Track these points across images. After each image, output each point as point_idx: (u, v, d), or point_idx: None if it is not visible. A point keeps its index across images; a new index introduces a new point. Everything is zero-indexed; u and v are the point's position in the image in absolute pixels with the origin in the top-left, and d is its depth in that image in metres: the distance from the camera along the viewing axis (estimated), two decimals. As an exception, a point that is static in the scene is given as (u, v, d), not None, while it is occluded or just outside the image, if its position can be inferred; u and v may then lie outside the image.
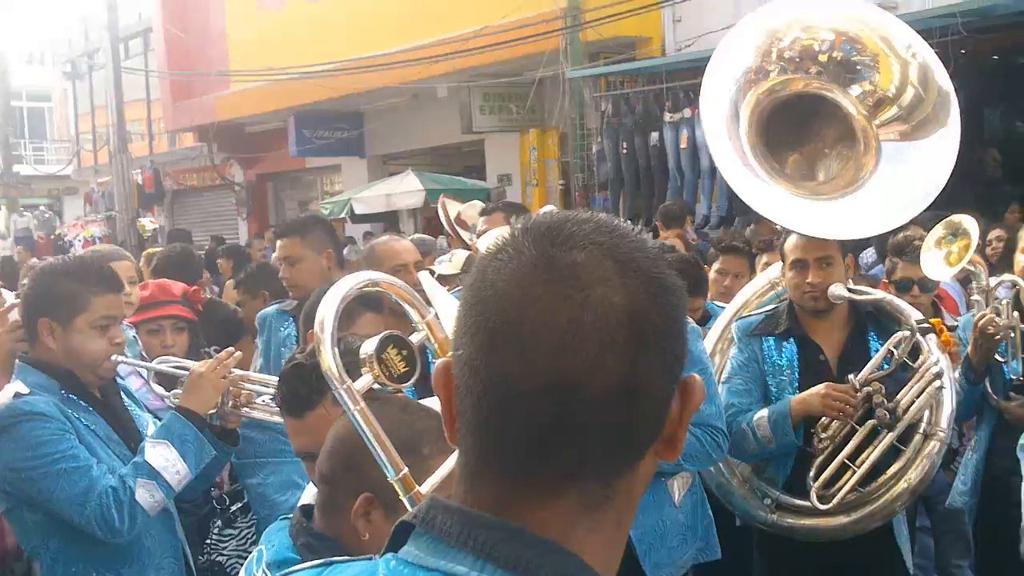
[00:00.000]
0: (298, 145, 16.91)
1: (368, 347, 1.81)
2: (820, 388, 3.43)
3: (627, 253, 0.97)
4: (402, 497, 1.71)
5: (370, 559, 1.06)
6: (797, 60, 3.62)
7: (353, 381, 1.78)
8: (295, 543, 1.97)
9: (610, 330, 0.93)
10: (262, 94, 16.67)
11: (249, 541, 3.78)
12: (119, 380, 3.22)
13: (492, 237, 4.26)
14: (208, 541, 3.82)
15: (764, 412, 3.51)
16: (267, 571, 1.95)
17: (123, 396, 3.17)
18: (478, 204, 6.73)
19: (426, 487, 1.72)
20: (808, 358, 3.59)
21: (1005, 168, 10.01)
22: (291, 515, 2.09)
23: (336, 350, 1.77)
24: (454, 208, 7.76)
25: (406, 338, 1.86)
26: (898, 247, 4.49)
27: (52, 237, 23.98)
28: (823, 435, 3.45)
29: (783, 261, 3.63)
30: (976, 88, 8.44)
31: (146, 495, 2.79)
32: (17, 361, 3.02)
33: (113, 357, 2.98)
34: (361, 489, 1.89)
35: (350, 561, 1.10)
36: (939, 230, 4.17)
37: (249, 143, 19.54)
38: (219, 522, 3.81)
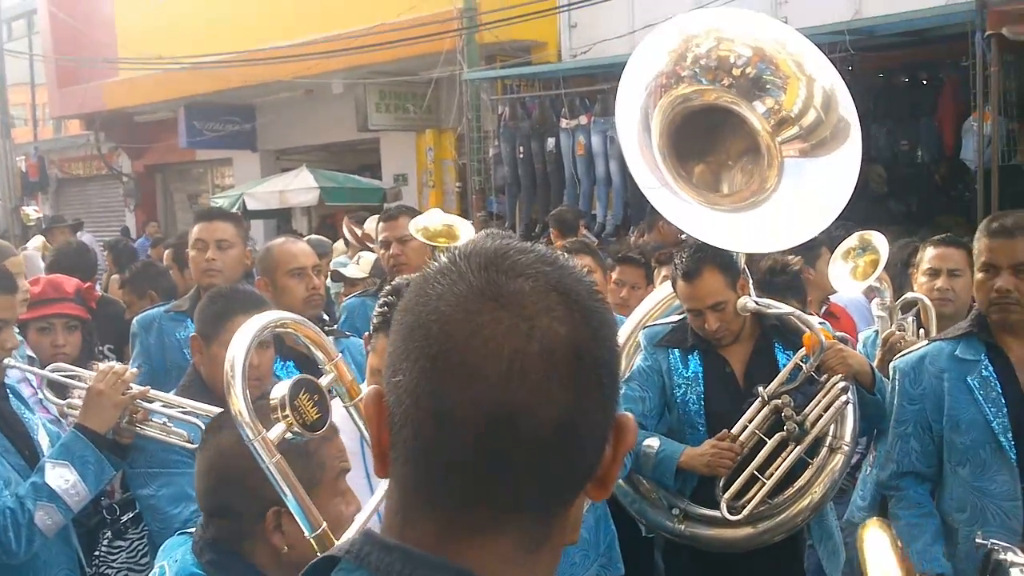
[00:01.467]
0: (188, 136, 16.45)
1: (279, 392, 1.74)
2: (704, 449, 3.47)
3: (568, 284, 0.95)
4: (318, 552, 1.65)
5: None
6: (712, 69, 3.62)
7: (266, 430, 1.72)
8: (199, 560, 1.92)
9: (555, 362, 0.91)
10: (152, 83, 16.17)
11: (140, 554, 3.65)
12: (6, 381, 3.11)
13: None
14: (97, 553, 3.67)
15: (655, 443, 3.53)
16: None
17: (12, 399, 3.07)
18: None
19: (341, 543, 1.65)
20: (714, 371, 3.61)
21: (890, 185, 10.29)
22: (190, 530, 2.03)
23: (247, 393, 1.70)
24: (357, 229, 7.69)
25: (316, 382, 1.82)
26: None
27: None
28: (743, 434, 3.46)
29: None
30: (861, 106, 8.62)
31: (45, 518, 2.75)
32: None
33: (5, 361, 2.94)
34: (265, 507, 1.87)
35: None
36: (851, 241, 4.21)
37: (138, 133, 18.98)
38: (109, 533, 3.69)
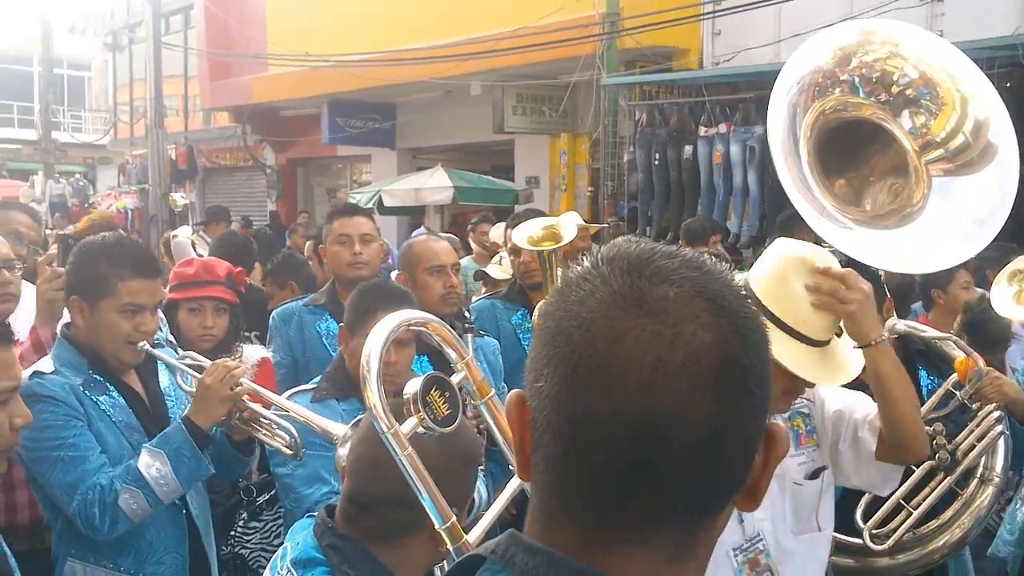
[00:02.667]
0: (331, 132, 16.89)
1: (412, 388, 1.78)
2: None
3: (716, 291, 0.92)
4: (448, 547, 1.68)
5: None
6: (872, 81, 3.51)
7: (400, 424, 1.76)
8: (320, 543, 1.96)
9: (700, 370, 0.89)
10: (298, 79, 16.67)
11: (274, 535, 3.74)
12: (161, 353, 3.16)
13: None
14: (232, 533, 3.77)
15: None
16: (292, 569, 1.95)
17: (164, 374, 3.14)
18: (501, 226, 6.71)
19: (473, 537, 1.73)
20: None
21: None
22: (315, 512, 2.08)
23: (382, 388, 1.74)
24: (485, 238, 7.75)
25: (448, 380, 1.85)
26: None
27: (86, 205, 24.22)
28: None
29: None
30: (1020, 121, 8.23)
31: (130, 501, 2.74)
32: (59, 334, 3.06)
33: (140, 345, 2.94)
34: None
35: None
36: (1019, 263, 4.00)
37: (283, 127, 19.56)
38: (245, 514, 3.77)
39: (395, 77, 14.03)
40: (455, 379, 1.93)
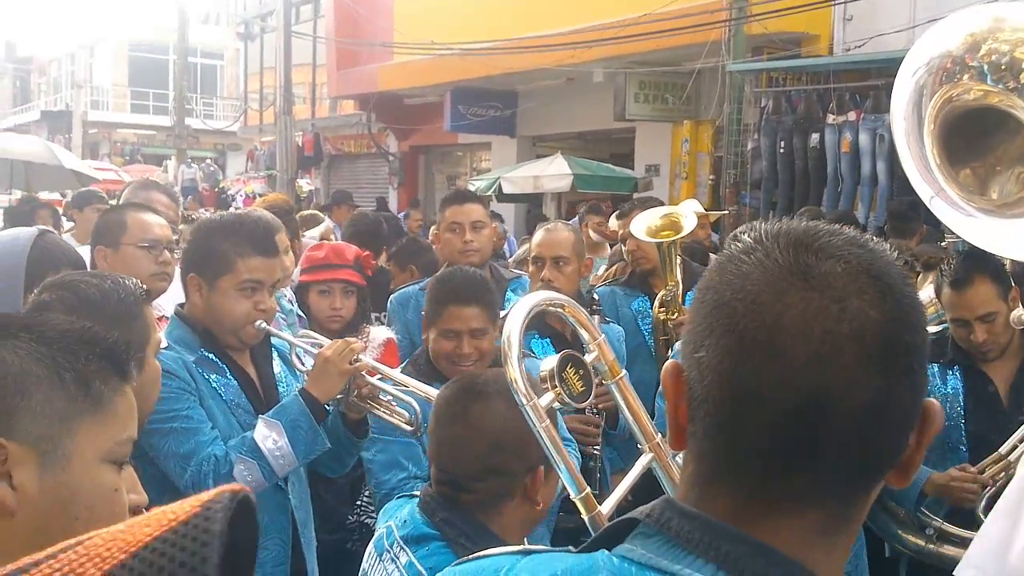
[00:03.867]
0: (452, 120, 17.08)
1: (548, 364, 1.85)
2: (946, 479, 3.33)
3: (881, 268, 0.94)
4: (584, 515, 1.74)
5: (569, 551, 1.03)
6: (1002, 68, 3.40)
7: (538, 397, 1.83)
8: (431, 520, 2.04)
9: (866, 345, 0.90)
10: (422, 67, 16.90)
11: None
12: (275, 345, 3.16)
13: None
14: (359, 503, 3.87)
15: None
16: (405, 546, 2.02)
17: (277, 362, 3.12)
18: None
19: (606, 508, 1.78)
20: (976, 389, 3.45)
21: None
22: (408, 495, 2.18)
23: (521, 365, 1.80)
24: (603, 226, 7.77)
25: (582, 358, 1.90)
26: None
27: (216, 190, 25.11)
28: (997, 465, 3.29)
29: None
30: None
31: (244, 472, 2.71)
32: (173, 313, 3.06)
33: (258, 323, 2.91)
34: (533, 466, 2.06)
35: (551, 551, 1.07)
36: None
37: (406, 115, 19.86)
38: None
39: (517, 65, 14.11)
40: (588, 359, 1.96)
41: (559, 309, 2.03)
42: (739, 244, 0.98)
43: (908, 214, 7.11)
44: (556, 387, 1.83)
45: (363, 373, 2.90)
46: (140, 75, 39.58)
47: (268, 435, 2.74)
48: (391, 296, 4.57)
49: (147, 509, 2.92)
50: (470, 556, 1.14)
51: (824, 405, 0.90)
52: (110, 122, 38.84)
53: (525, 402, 1.80)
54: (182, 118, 27.04)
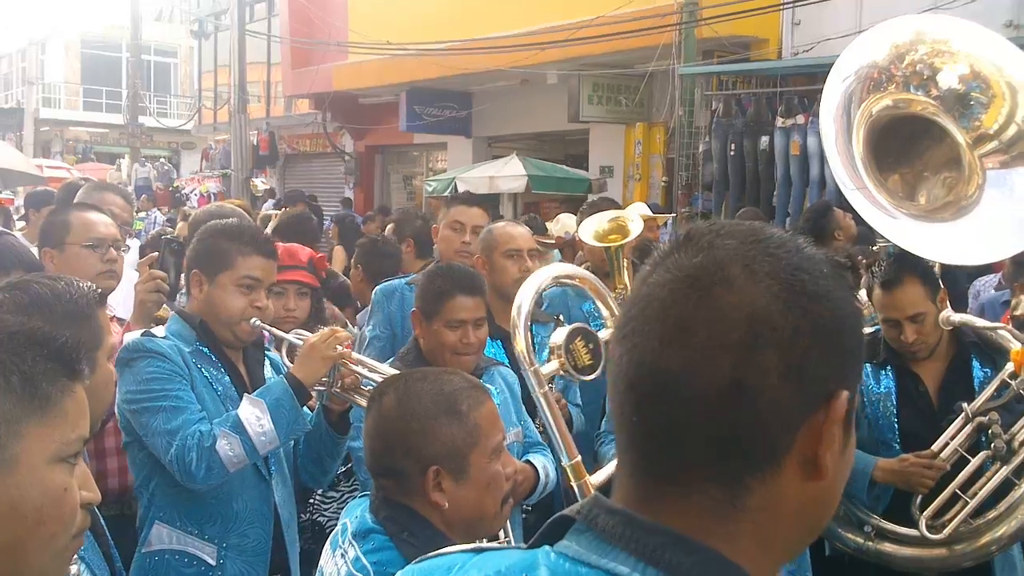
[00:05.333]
0: (408, 120, 17.08)
1: (558, 337, 1.91)
2: (901, 465, 3.39)
3: (759, 257, 0.96)
4: (572, 482, 1.80)
5: (519, 548, 1.07)
6: (924, 77, 3.54)
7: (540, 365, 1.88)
8: (377, 517, 2.07)
9: (720, 329, 0.93)
10: (378, 67, 16.89)
11: None
12: (268, 355, 3.24)
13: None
14: (311, 501, 3.90)
15: None
16: (353, 541, 2.06)
17: (269, 368, 3.21)
18: (562, 219, 6.74)
19: (596, 479, 1.82)
20: (907, 388, 3.53)
21: None
22: (367, 493, 2.20)
23: (528, 336, 1.86)
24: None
25: (594, 333, 1.94)
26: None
27: (170, 189, 24.85)
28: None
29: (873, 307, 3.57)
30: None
31: (227, 447, 2.77)
32: (173, 312, 3.15)
33: (253, 321, 3.01)
34: (425, 466, 2.02)
35: (501, 548, 1.12)
36: None
37: (361, 114, 19.82)
38: None
39: (472, 66, 14.16)
40: (603, 335, 2.03)
41: (572, 282, 2.10)
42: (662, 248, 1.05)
43: (820, 218, 7.26)
44: (561, 357, 1.91)
45: (347, 362, 2.95)
46: (93, 72, 39.02)
47: (251, 412, 2.81)
48: (376, 288, 4.60)
49: (133, 493, 2.93)
50: (428, 555, 1.18)
51: (676, 387, 0.94)
52: (62, 120, 38.25)
53: (527, 367, 1.89)
54: (136, 116, 26.71)
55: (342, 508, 3.78)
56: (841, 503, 3.53)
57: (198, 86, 28.32)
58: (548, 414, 1.84)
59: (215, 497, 2.90)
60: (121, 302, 3.98)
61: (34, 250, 4.79)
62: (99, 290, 2.32)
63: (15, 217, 9.51)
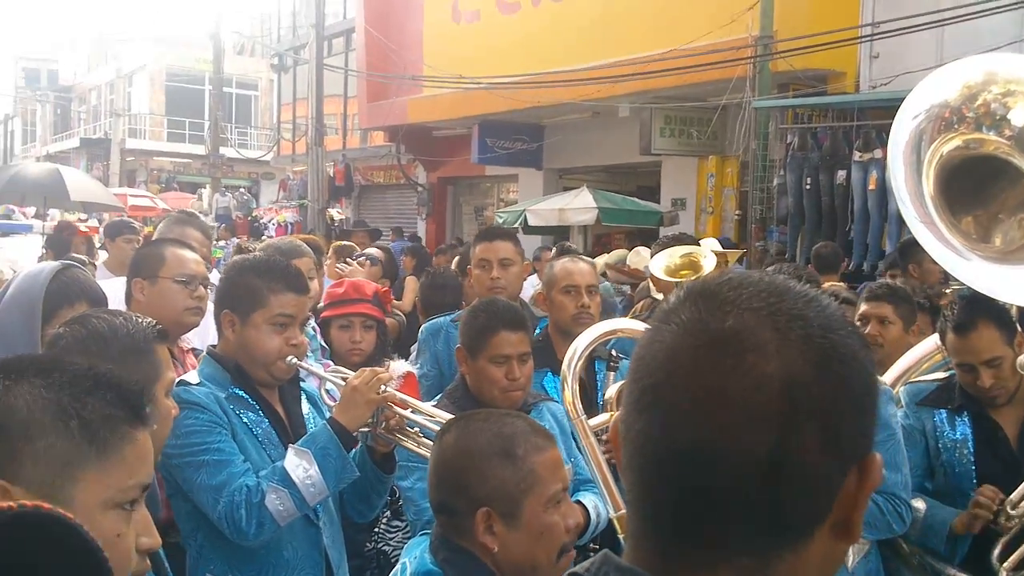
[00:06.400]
0: (480, 153, 17.22)
1: (613, 389, 1.90)
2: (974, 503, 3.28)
3: (789, 320, 0.92)
4: (619, 534, 1.77)
5: None
6: (996, 117, 3.44)
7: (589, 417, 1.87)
8: (436, 557, 2.06)
9: (758, 400, 0.89)
10: (451, 100, 17.06)
11: None
12: (303, 387, 3.19)
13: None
14: (376, 530, 3.89)
15: (921, 505, 3.34)
16: None
17: (306, 403, 3.14)
18: (642, 251, 6.68)
19: None
20: (985, 435, 3.41)
21: None
22: (429, 530, 2.19)
23: (576, 387, 1.86)
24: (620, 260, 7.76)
25: None
26: None
27: (248, 218, 25.37)
28: (1012, 512, 3.24)
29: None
30: None
31: (276, 502, 2.71)
32: (205, 352, 3.09)
33: (289, 359, 2.94)
34: (476, 506, 2.02)
35: None
36: None
37: (434, 147, 20.05)
38: (388, 512, 3.86)
39: (544, 99, 14.22)
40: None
41: (624, 336, 2.07)
42: (668, 302, 1.00)
43: (912, 251, 7.09)
44: (614, 410, 1.90)
45: (390, 404, 2.90)
46: (177, 104, 40.23)
47: (299, 463, 2.74)
48: (422, 327, 4.61)
49: (181, 545, 2.92)
50: None
51: (711, 460, 0.90)
52: (147, 150, 39.46)
53: (574, 418, 1.87)
54: (217, 147, 27.39)
55: (407, 536, 3.81)
56: (916, 552, 3.45)
57: (277, 118, 28.93)
58: (593, 464, 1.81)
59: (265, 547, 2.84)
60: (200, 334, 4.03)
61: (113, 280, 4.90)
62: (159, 327, 2.33)
63: (96, 246, 9.77)
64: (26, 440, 1.35)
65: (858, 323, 4.41)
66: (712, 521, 0.92)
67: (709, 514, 0.91)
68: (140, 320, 2.29)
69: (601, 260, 8.62)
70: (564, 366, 1.90)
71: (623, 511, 1.80)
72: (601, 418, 1.89)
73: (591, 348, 1.97)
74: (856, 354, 0.93)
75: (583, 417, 1.85)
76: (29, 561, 0.79)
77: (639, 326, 2.14)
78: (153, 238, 4.58)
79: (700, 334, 0.93)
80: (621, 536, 1.77)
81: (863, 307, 4.09)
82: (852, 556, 3.34)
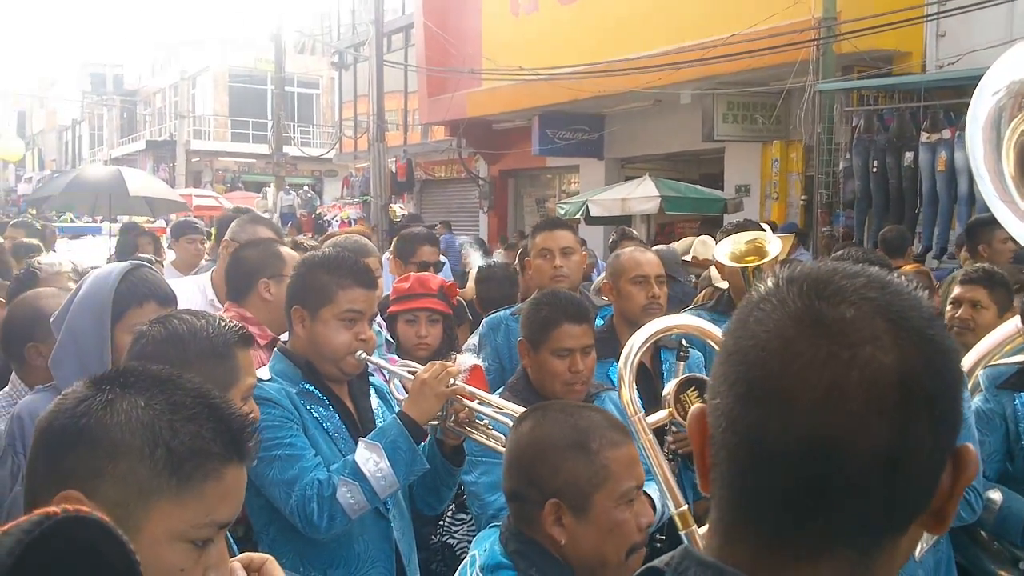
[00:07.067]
0: (540, 144, 17.21)
1: (670, 386, 1.92)
2: None
3: (900, 311, 0.92)
4: (680, 531, 1.79)
5: None
6: None
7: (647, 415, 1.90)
8: (506, 549, 2.08)
9: (877, 392, 0.89)
10: (510, 93, 17.09)
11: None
12: (372, 381, 3.22)
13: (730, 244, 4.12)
14: (441, 523, 3.91)
15: (997, 496, 3.28)
16: (481, 574, 2.07)
17: (375, 398, 3.17)
18: (707, 240, 6.62)
19: (704, 529, 1.78)
20: None
21: None
22: (499, 522, 2.21)
23: (632, 383, 1.88)
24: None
25: (707, 380, 1.92)
26: None
27: (313, 216, 25.64)
28: None
29: None
30: None
31: (347, 495, 2.73)
32: (276, 348, 3.13)
33: (358, 354, 2.95)
34: (546, 497, 2.02)
35: None
36: None
37: (495, 140, 20.08)
38: (453, 505, 3.85)
39: (604, 88, 14.16)
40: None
41: (682, 332, 2.08)
42: (759, 291, 0.98)
43: (984, 230, 6.94)
44: (671, 407, 1.91)
45: (460, 397, 2.90)
46: (240, 105, 40.82)
47: (369, 457, 2.76)
48: (483, 321, 4.64)
49: (253, 540, 2.96)
50: None
51: (831, 453, 0.89)
52: (212, 151, 40.10)
53: (632, 415, 1.89)
54: (280, 146, 27.70)
55: (472, 531, 3.83)
56: (994, 539, 3.39)
57: (339, 116, 29.19)
58: (652, 462, 1.82)
59: (336, 541, 2.85)
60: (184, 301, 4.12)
61: (182, 280, 4.99)
62: (242, 330, 2.34)
63: (164, 247, 9.97)
64: (111, 460, 1.35)
65: (950, 306, 4.34)
66: (825, 512, 0.91)
67: (823, 506, 0.91)
68: (222, 323, 2.31)
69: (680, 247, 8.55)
70: (620, 364, 1.90)
71: (684, 507, 1.80)
72: (659, 415, 1.88)
73: (649, 344, 1.96)
74: (947, 344, 0.94)
75: (641, 414, 1.85)
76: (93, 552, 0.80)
77: (696, 322, 2.13)
78: (225, 238, 4.65)
79: (816, 324, 0.92)
80: (682, 532, 1.77)
81: (957, 290, 4.02)
82: (921, 546, 3.28)
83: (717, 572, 0.95)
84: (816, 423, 0.89)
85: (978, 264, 4.95)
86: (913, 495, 0.93)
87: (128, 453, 1.36)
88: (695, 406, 1.04)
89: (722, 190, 14.51)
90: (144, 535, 1.35)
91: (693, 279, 7.88)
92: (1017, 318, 3.60)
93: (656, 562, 1.01)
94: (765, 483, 0.93)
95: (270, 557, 1.63)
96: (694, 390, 1.92)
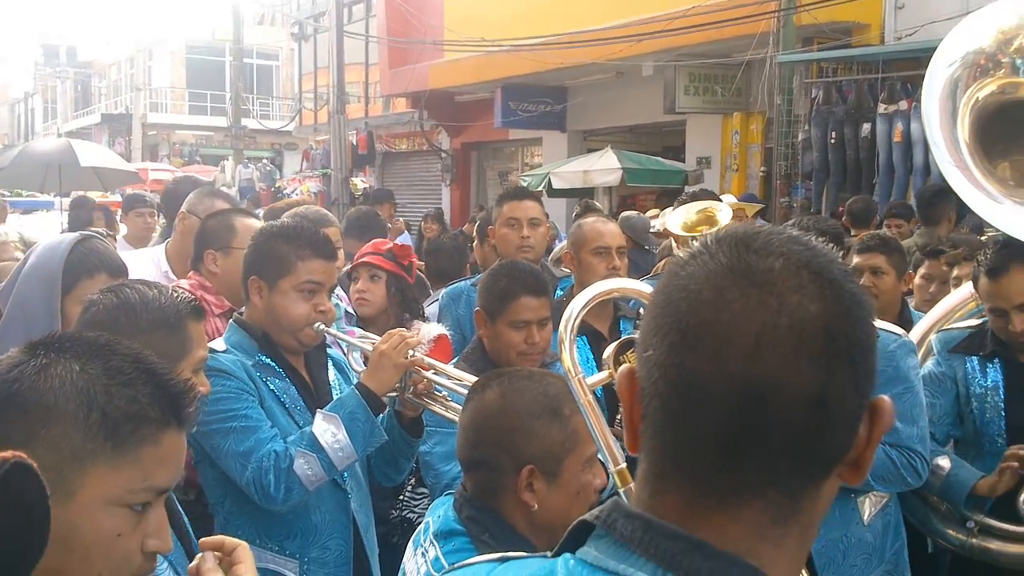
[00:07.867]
0: (503, 116, 17.14)
1: (610, 349, 1.93)
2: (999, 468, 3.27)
3: (822, 264, 0.96)
4: (619, 489, 1.82)
5: (545, 556, 1.07)
6: None
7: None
8: (459, 515, 2.08)
9: (806, 338, 0.92)
10: (473, 65, 16.99)
11: None
12: (330, 354, 3.18)
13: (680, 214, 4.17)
14: (401, 498, 3.90)
15: (945, 463, 3.34)
16: (434, 541, 2.07)
17: (332, 370, 3.14)
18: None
19: None
20: (1016, 382, 3.40)
21: None
22: (453, 490, 2.21)
23: (573, 348, 1.89)
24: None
25: None
26: None
27: (272, 189, 25.41)
28: None
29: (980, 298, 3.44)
30: None
31: (304, 467, 2.71)
32: (232, 319, 3.08)
33: (317, 326, 2.92)
34: (520, 464, 2.03)
35: (525, 557, 1.12)
36: None
37: (457, 112, 19.96)
38: (412, 480, 3.85)
39: (567, 60, 14.11)
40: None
41: (622, 296, 2.08)
42: (687, 251, 1.01)
43: (934, 200, 7.03)
44: (611, 368, 1.92)
45: (419, 368, 2.89)
46: (197, 77, 40.26)
47: (327, 428, 2.73)
48: (443, 291, 4.61)
49: (210, 512, 2.93)
50: (456, 565, 1.20)
51: (764, 397, 0.92)
52: (169, 124, 39.54)
53: (572, 376, 1.90)
54: (238, 119, 27.40)
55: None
56: (943, 500, 3.45)
57: (299, 88, 28.88)
58: (592, 421, 1.85)
59: (293, 512, 2.84)
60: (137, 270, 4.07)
61: (133, 252, 4.91)
62: (194, 302, 2.32)
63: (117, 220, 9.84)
64: (44, 425, 1.34)
65: None
66: (758, 457, 0.94)
67: (755, 448, 0.94)
68: (175, 294, 2.29)
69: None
70: (561, 327, 1.92)
71: (622, 465, 1.83)
72: (599, 376, 1.90)
73: (589, 308, 1.98)
74: (868, 302, 0.99)
75: (582, 375, 1.87)
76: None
77: (635, 284, 2.15)
78: (182, 210, 4.57)
79: (747, 274, 0.95)
80: (620, 490, 1.80)
81: (856, 259, 4.06)
82: (868, 510, 3.34)
83: (644, 523, 0.97)
84: (749, 367, 0.92)
85: (873, 232, 5.04)
86: (837, 440, 0.96)
87: (62, 418, 1.34)
88: (624, 366, 1.05)
89: (684, 162, 14.56)
90: (79, 499, 1.34)
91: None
92: (969, 284, 3.65)
93: (586, 516, 1.03)
94: (698, 429, 0.95)
95: (243, 543, 1.63)
96: (633, 351, 1.94)
